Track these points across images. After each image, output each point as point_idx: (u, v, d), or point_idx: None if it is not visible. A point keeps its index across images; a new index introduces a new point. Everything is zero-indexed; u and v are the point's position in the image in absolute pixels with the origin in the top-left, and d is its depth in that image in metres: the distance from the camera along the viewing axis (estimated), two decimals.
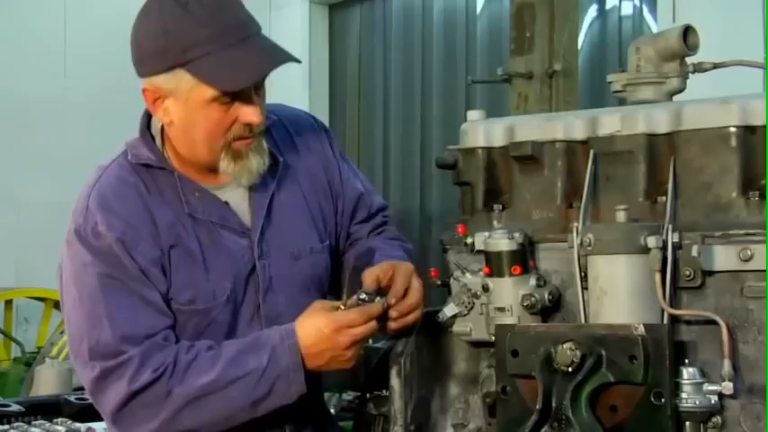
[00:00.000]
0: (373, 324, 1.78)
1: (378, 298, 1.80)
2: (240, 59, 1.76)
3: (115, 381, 1.76)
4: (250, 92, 1.80)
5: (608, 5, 5.85)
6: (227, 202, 1.90)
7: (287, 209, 1.96)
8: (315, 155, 2.05)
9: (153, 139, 1.91)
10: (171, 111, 1.82)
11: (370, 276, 1.84)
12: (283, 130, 2.02)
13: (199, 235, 1.86)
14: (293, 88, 6.75)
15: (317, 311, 1.80)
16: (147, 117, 1.93)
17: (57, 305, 6.31)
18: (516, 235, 1.74)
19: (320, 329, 1.76)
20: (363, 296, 1.80)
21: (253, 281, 1.90)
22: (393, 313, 1.81)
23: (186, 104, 1.79)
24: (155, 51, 1.78)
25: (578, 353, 1.57)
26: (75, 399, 3.54)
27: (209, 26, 1.75)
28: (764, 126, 1.62)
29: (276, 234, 1.93)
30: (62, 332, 5.37)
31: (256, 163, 1.86)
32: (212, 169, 1.88)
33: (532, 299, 1.72)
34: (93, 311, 1.79)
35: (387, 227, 2.15)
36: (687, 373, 1.57)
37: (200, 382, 1.77)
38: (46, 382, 4.40)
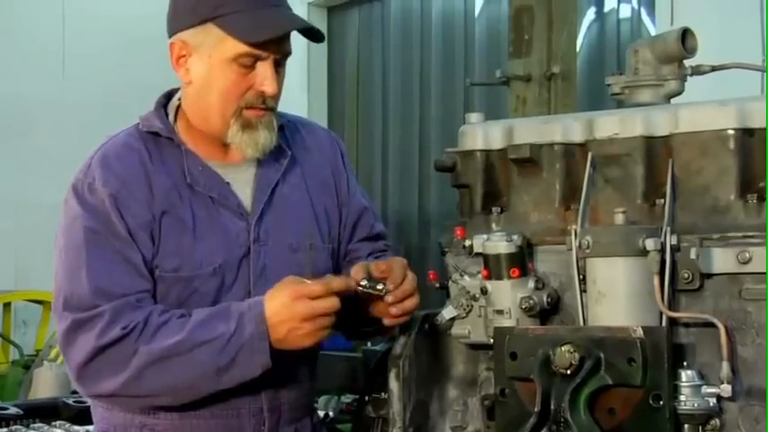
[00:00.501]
0: (335, 300, 1.77)
1: (380, 285, 1.82)
2: (267, 18, 1.84)
3: (84, 333, 1.78)
4: (270, 60, 1.86)
5: (606, 8, 5.86)
6: (228, 183, 1.93)
7: (289, 201, 1.99)
8: (325, 161, 2.09)
9: (167, 115, 1.96)
10: (192, 69, 1.89)
11: (359, 266, 1.87)
12: (297, 131, 2.08)
13: (194, 207, 1.89)
14: (292, 90, 6.74)
15: (285, 283, 1.80)
16: (165, 99, 1.99)
17: None
18: (515, 237, 1.74)
19: (282, 299, 1.77)
20: (364, 282, 1.82)
21: (246, 265, 1.91)
22: (390, 298, 1.83)
23: (209, 61, 1.86)
24: (189, 6, 1.87)
25: (577, 355, 1.57)
26: (74, 402, 3.54)
27: None
28: (762, 129, 1.62)
29: (275, 223, 1.95)
30: None
31: (263, 137, 1.89)
32: (221, 145, 1.92)
33: (531, 301, 1.72)
34: (74, 264, 1.83)
35: (386, 254, 2.14)
36: (686, 375, 1.57)
37: (166, 342, 1.77)
38: (44, 385, 4.40)
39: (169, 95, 2.00)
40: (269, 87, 1.86)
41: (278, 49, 1.86)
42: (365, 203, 2.15)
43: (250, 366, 1.78)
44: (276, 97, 1.90)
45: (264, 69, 1.86)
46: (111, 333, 1.76)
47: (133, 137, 1.93)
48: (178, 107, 1.96)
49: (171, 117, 1.96)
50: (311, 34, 1.93)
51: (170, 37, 1.91)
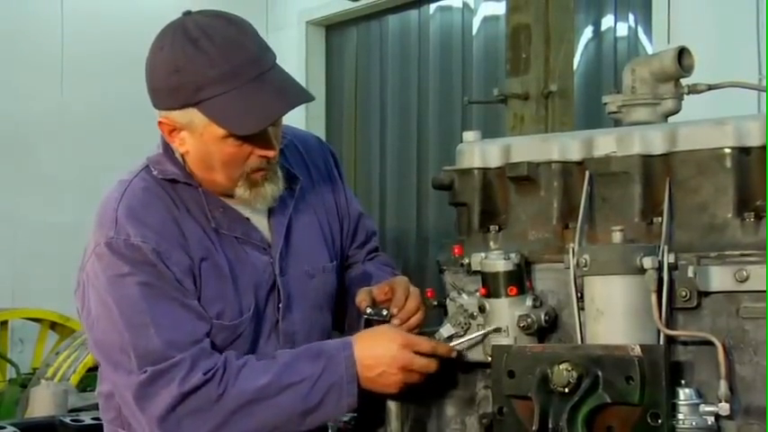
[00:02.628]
0: (435, 364, 1.79)
1: (384, 311, 1.86)
2: (251, 102, 1.75)
3: (166, 384, 1.74)
4: (265, 129, 1.80)
5: (603, 27, 5.88)
6: (248, 218, 1.92)
7: (302, 227, 1.99)
8: (323, 175, 2.09)
9: (173, 154, 1.91)
10: (187, 142, 1.83)
11: (363, 292, 1.90)
12: (296, 151, 2.06)
13: (225, 250, 1.87)
14: None
15: (390, 330, 1.82)
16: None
17: (53, 326, 6.28)
18: (512, 255, 1.74)
19: (388, 341, 1.78)
20: (369, 310, 1.87)
21: (272, 298, 1.92)
22: (396, 321, 1.86)
23: (201, 138, 1.80)
24: (167, 88, 1.77)
25: (575, 374, 1.57)
26: (71, 420, 3.52)
27: (220, 66, 1.73)
28: (759, 147, 1.62)
29: (293, 252, 1.96)
30: (57, 353, 5.35)
31: (271, 190, 1.87)
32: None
33: (529, 319, 1.72)
34: (136, 321, 1.77)
35: (379, 252, 2.20)
36: (684, 394, 1.57)
37: (253, 385, 1.75)
38: (41, 404, 4.38)
39: None
40: (269, 153, 1.82)
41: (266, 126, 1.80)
42: (359, 209, 2.17)
43: (336, 408, 1.79)
44: (278, 154, 1.85)
45: (262, 137, 1.80)
46: (194, 379, 1.73)
47: (149, 182, 1.88)
48: None
49: (178, 156, 1.90)
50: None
51: (154, 108, 1.83)
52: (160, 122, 1.83)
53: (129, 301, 1.78)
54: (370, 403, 1.94)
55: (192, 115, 1.77)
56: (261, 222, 1.94)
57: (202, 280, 1.84)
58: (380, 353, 1.77)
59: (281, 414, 1.76)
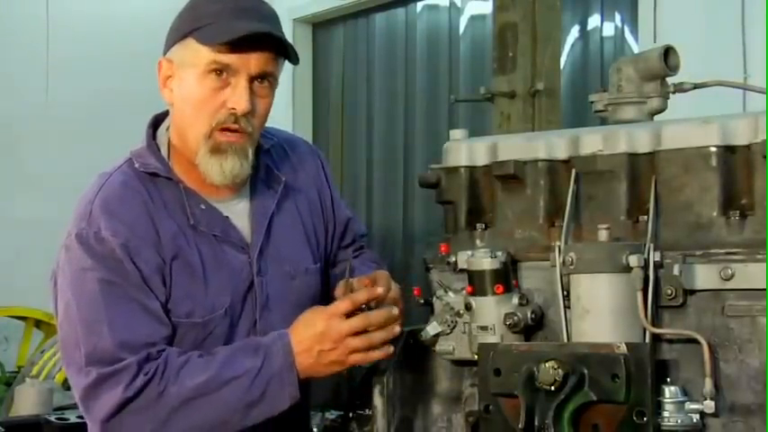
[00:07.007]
0: (367, 319, 1.77)
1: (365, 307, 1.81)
2: (237, 27, 1.79)
3: (110, 388, 1.74)
4: (243, 76, 1.81)
5: (590, 26, 5.89)
6: (227, 217, 1.91)
7: (285, 228, 1.98)
8: (310, 178, 2.08)
9: (158, 149, 1.91)
10: (174, 90, 1.86)
11: (342, 286, 1.88)
12: (282, 152, 2.05)
13: (200, 247, 1.86)
14: (277, 106, 6.71)
15: (311, 309, 1.82)
16: (153, 128, 1.94)
17: (37, 324, 6.24)
18: (499, 254, 1.74)
19: (312, 322, 1.77)
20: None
21: (250, 297, 1.90)
22: None
23: (187, 78, 1.83)
24: (175, 25, 1.88)
25: (561, 372, 1.58)
26: (56, 419, 3.51)
27: (226, 2, 1.82)
28: (744, 146, 1.63)
29: (274, 252, 1.94)
30: (42, 351, 5.32)
31: (232, 164, 1.84)
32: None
33: (515, 317, 1.72)
34: (91, 317, 1.77)
35: (365, 250, 2.20)
36: (669, 391, 1.58)
37: (193, 382, 1.75)
38: (26, 403, 4.36)
39: (155, 124, 1.95)
40: (239, 104, 1.80)
41: (250, 64, 1.81)
42: (349, 213, 2.17)
43: (280, 399, 1.78)
44: (251, 118, 1.84)
45: (236, 85, 1.81)
46: (137, 383, 1.73)
47: (129, 176, 1.87)
48: (169, 141, 1.92)
49: (164, 151, 1.91)
50: (288, 54, 1.87)
51: (164, 54, 1.89)
52: (159, 63, 1.89)
53: (88, 298, 1.78)
54: (356, 401, 1.94)
55: (186, 47, 1.83)
56: (241, 222, 1.93)
57: (173, 279, 1.82)
58: (309, 334, 1.76)
59: (224, 408, 1.76)
